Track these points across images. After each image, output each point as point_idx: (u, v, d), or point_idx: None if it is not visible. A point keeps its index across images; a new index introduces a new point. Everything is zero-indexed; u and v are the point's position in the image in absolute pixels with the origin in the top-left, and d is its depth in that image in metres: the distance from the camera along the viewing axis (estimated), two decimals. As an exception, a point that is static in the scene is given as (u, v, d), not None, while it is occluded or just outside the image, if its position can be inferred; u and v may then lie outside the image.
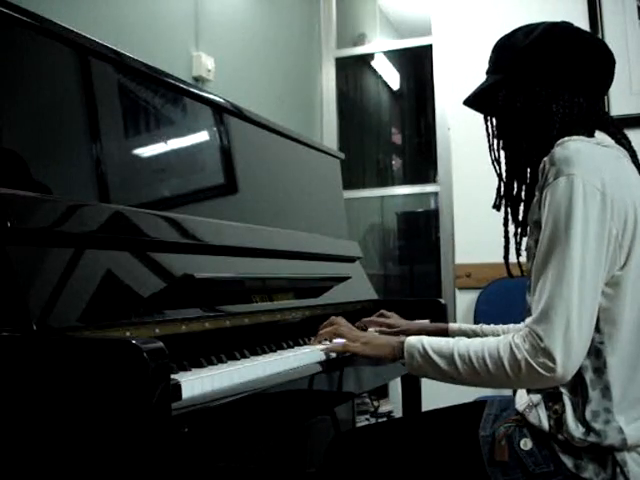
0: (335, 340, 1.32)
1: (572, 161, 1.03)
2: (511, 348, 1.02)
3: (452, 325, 1.51)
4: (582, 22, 2.69)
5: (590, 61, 1.16)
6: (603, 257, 1.01)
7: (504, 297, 2.56)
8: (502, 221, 1.24)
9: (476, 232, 2.79)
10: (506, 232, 1.24)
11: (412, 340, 1.16)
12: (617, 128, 1.20)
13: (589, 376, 1.05)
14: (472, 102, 1.29)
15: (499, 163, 1.25)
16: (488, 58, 1.26)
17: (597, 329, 1.04)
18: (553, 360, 0.97)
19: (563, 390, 1.06)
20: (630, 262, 1.04)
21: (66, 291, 0.96)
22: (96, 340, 0.88)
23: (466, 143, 2.83)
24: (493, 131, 1.26)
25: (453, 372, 1.09)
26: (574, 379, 1.05)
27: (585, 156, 1.04)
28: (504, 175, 1.23)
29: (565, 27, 1.18)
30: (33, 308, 0.88)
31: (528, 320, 1.03)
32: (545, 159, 1.07)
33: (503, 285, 2.65)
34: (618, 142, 1.17)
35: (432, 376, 1.15)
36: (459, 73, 2.89)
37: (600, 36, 2.70)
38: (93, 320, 0.96)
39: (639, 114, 2.57)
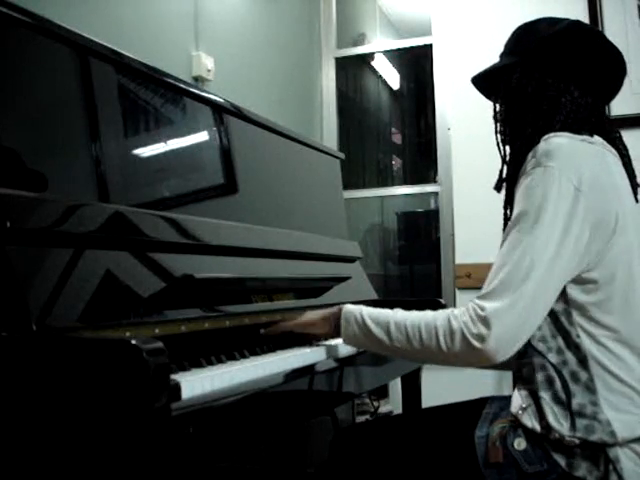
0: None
1: (552, 155, 1.04)
2: (449, 318, 1.02)
3: None
4: (582, 22, 2.69)
5: (605, 65, 1.18)
6: (568, 250, 1.02)
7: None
8: (503, 204, 1.24)
9: (476, 232, 2.79)
10: (505, 214, 1.24)
11: (350, 307, 1.16)
12: (617, 133, 1.22)
13: (568, 370, 1.05)
14: (480, 81, 1.30)
15: (504, 145, 1.25)
16: (506, 41, 1.26)
17: (571, 323, 1.05)
18: (489, 328, 0.97)
19: (539, 392, 1.06)
20: (604, 260, 1.05)
21: (66, 291, 0.95)
22: (96, 340, 0.88)
23: (466, 143, 2.83)
24: (499, 114, 1.26)
25: (386, 341, 1.08)
26: (546, 375, 1.06)
27: (565, 151, 1.06)
28: (507, 158, 1.23)
29: (590, 27, 1.21)
30: (33, 308, 0.88)
31: (475, 297, 1.03)
32: (530, 153, 1.09)
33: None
34: (615, 147, 1.18)
35: (366, 345, 1.15)
36: (459, 73, 2.89)
37: (600, 36, 2.70)
38: (93, 320, 0.96)
39: (639, 114, 2.57)
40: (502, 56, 1.26)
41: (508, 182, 1.22)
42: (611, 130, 1.21)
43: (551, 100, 1.15)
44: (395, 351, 1.10)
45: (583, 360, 1.05)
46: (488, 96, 1.31)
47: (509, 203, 1.22)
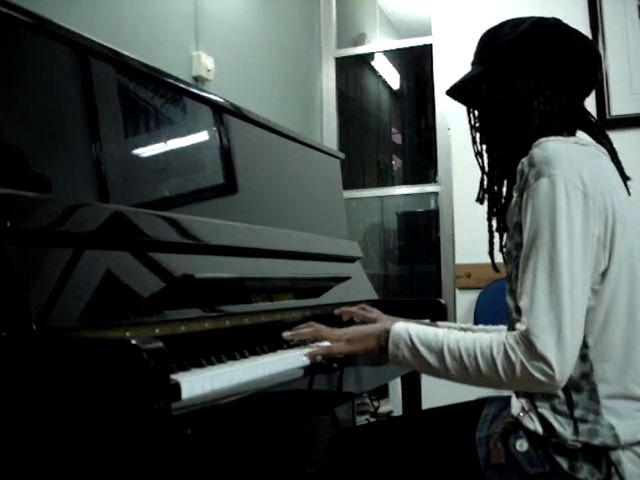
0: (318, 343, 1.28)
1: (552, 161, 1.02)
2: (505, 349, 0.99)
3: (441, 324, 1.47)
4: (582, 22, 2.69)
5: (575, 59, 1.15)
6: (589, 257, 1.00)
7: (504, 297, 2.55)
8: (485, 215, 1.23)
9: (476, 232, 2.75)
10: (490, 226, 1.23)
11: (398, 329, 1.12)
12: (599, 128, 1.20)
13: (572, 382, 1.04)
14: (455, 93, 1.29)
15: (481, 156, 1.24)
16: (474, 49, 1.26)
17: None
18: (550, 366, 0.95)
19: (537, 402, 1.06)
20: (612, 262, 1.03)
21: (66, 291, 0.95)
22: (96, 340, 0.88)
23: (466, 143, 2.81)
24: (475, 123, 1.25)
25: (441, 368, 1.06)
26: None
27: (564, 156, 1.03)
28: (486, 168, 1.22)
29: (553, 23, 1.17)
30: (33, 308, 0.88)
31: (519, 325, 1.00)
32: (523, 160, 1.06)
33: (503, 285, 2.64)
34: (599, 142, 1.17)
35: (417, 369, 1.12)
36: (459, 73, 2.89)
37: (600, 36, 2.70)
38: (93, 320, 0.96)
39: (639, 114, 2.58)
40: (472, 65, 1.25)
41: (490, 193, 1.21)
42: (594, 125, 1.21)
43: (523, 105, 1.13)
44: (450, 377, 1.07)
45: (587, 371, 1.04)
46: (466, 104, 1.30)
47: (494, 214, 1.21)
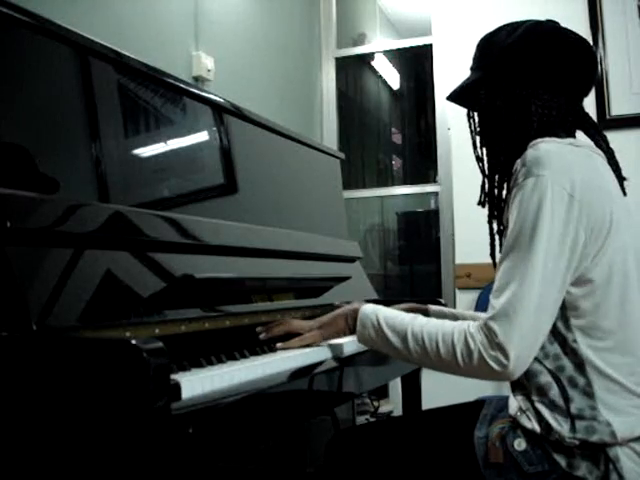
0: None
1: (542, 162, 1.03)
2: (465, 337, 1.02)
3: (433, 307, 1.49)
4: (582, 22, 2.69)
5: (571, 62, 1.16)
6: (565, 259, 1.01)
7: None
8: (487, 218, 1.25)
9: (476, 232, 2.75)
10: (491, 229, 1.25)
11: (367, 310, 1.16)
12: (596, 129, 1.21)
13: (566, 375, 1.05)
14: (455, 98, 1.30)
15: (482, 160, 1.26)
16: (473, 55, 1.27)
17: (568, 328, 1.05)
18: (506, 356, 0.98)
19: (534, 397, 1.07)
20: (601, 261, 1.04)
21: (66, 291, 0.95)
22: (96, 340, 0.88)
23: (466, 143, 2.81)
24: (475, 128, 1.27)
25: (404, 350, 1.09)
26: (542, 381, 1.06)
27: (555, 157, 1.05)
28: (486, 172, 1.24)
29: (548, 27, 1.18)
30: (33, 308, 0.88)
31: (484, 315, 1.03)
32: (518, 161, 1.08)
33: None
34: (596, 143, 1.18)
35: (382, 350, 1.15)
36: (459, 73, 2.88)
37: (600, 36, 2.70)
38: (93, 320, 0.96)
39: (639, 114, 2.58)
40: (471, 70, 1.26)
41: (490, 197, 1.22)
42: (591, 126, 1.21)
43: (521, 109, 1.15)
44: (411, 359, 1.10)
45: (580, 365, 1.05)
46: (466, 107, 1.31)
47: (494, 217, 1.23)
